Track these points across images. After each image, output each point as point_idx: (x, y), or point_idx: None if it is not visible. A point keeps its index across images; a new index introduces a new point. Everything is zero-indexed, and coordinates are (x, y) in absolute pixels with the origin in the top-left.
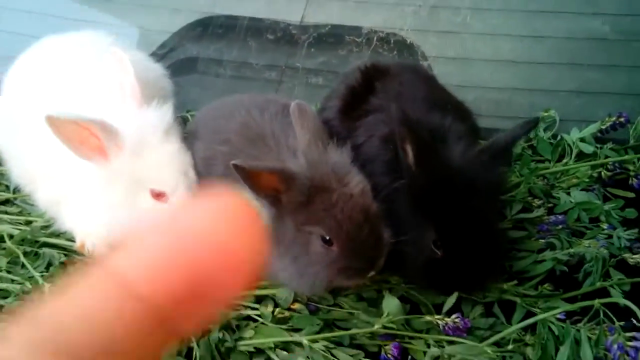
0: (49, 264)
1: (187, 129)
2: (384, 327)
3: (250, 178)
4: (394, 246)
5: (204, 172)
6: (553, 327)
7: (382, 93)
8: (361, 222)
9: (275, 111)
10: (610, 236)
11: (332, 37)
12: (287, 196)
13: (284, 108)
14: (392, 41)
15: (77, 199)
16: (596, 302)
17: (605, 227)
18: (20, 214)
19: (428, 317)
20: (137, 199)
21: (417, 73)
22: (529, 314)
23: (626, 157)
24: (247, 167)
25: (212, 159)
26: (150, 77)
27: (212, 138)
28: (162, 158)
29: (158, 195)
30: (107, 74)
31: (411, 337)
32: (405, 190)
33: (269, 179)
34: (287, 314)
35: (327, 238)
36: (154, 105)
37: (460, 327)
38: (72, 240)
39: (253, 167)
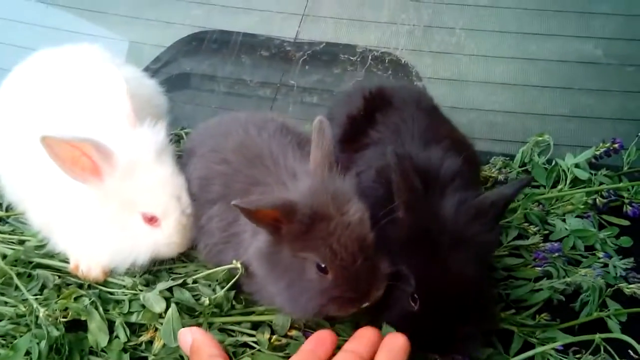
0: (43, 286)
1: (183, 147)
2: None
3: (252, 215)
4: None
5: (199, 192)
6: None
7: (382, 126)
8: (356, 252)
9: (274, 130)
10: (606, 265)
11: (327, 55)
12: (287, 227)
13: (282, 127)
14: (386, 60)
15: (70, 220)
16: (597, 337)
17: (600, 255)
18: (13, 232)
19: None
20: (129, 222)
21: (420, 104)
22: (527, 344)
23: (621, 184)
24: (249, 208)
25: (210, 178)
26: (144, 94)
27: (209, 157)
28: (154, 181)
29: (150, 220)
30: (101, 92)
31: None
32: (394, 236)
33: (270, 214)
34: (283, 341)
35: (322, 266)
36: (147, 124)
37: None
38: (66, 261)
39: (256, 207)
